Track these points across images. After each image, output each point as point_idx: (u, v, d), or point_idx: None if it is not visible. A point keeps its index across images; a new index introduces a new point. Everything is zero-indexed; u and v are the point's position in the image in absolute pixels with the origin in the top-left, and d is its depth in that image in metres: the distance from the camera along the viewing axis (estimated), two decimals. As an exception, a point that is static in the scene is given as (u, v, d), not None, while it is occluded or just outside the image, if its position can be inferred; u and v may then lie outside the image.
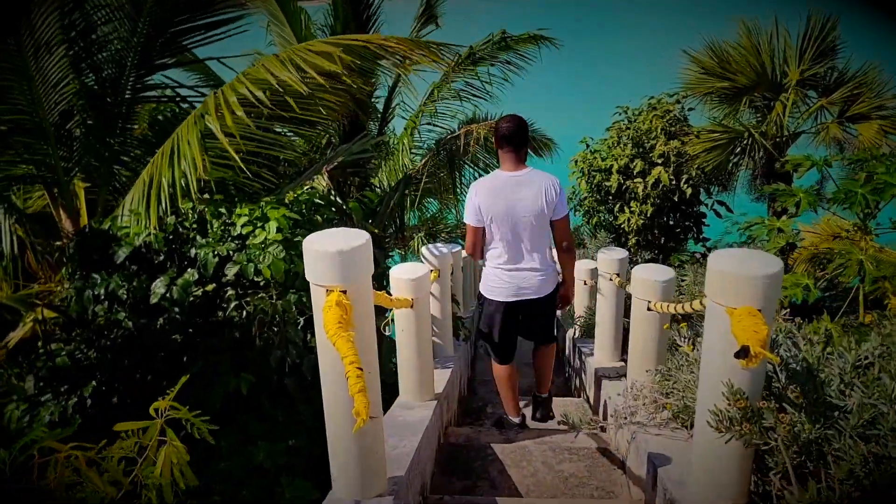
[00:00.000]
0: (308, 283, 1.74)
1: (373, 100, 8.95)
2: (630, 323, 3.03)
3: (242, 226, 3.80)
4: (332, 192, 4.68)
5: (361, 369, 1.56)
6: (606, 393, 3.51)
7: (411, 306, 2.85)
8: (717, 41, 6.09)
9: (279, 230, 3.69)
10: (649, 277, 2.81)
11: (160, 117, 4.91)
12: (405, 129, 8.24)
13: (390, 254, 10.38)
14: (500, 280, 3.33)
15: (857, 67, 5.92)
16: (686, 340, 2.35)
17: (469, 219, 3.29)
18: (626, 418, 2.67)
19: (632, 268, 3.09)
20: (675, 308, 2.45)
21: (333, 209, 4.55)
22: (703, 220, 6.65)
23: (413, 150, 8.02)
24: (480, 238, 3.32)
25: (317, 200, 4.39)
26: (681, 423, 2.41)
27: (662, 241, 6.52)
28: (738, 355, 1.61)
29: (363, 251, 1.73)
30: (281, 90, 3.69)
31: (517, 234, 3.21)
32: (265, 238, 3.67)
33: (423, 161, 7.12)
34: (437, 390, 3.27)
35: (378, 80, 8.98)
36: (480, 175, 9.86)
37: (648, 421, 2.63)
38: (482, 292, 3.48)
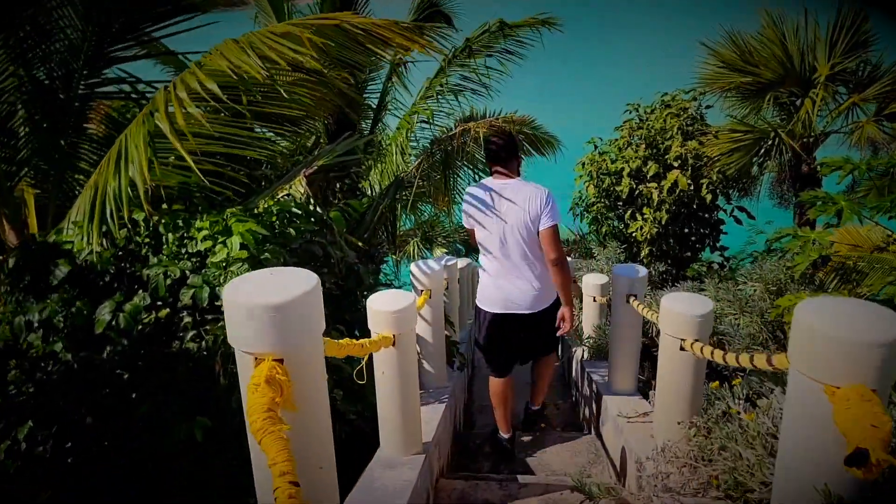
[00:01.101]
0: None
1: (364, 96, 8.48)
2: (658, 364, 2.55)
3: (202, 240, 3.31)
4: (311, 200, 4.19)
5: (297, 484, 1.06)
6: (625, 438, 3.03)
7: (393, 344, 2.36)
8: (739, 32, 5.59)
9: (244, 246, 3.21)
10: (683, 311, 2.32)
11: (116, 115, 4.41)
12: (398, 127, 7.76)
13: (385, 259, 9.94)
14: (489, 290, 3.36)
15: (893, 61, 5.43)
16: (741, 403, 1.87)
17: (465, 221, 3.38)
18: (656, 486, 2.18)
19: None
20: (723, 358, 1.96)
21: (312, 220, 4.07)
22: (721, 227, 6.15)
23: (407, 151, 7.54)
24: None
25: (293, 210, 3.92)
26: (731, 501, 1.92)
27: (677, 250, 6.02)
28: (850, 461, 1.12)
29: (309, 302, 1.25)
30: (236, 78, 3.21)
31: (505, 245, 3.20)
32: (227, 256, 3.18)
33: (417, 162, 6.63)
34: (426, 438, 2.78)
35: (367, 76, 8.53)
36: (480, 177, 9.49)
37: (683, 489, 2.14)
38: (476, 301, 3.52)
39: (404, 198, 6.47)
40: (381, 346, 2.23)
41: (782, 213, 6.40)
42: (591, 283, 4.96)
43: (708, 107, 6.11)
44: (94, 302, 3.24)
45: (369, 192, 8.26)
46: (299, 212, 3.87)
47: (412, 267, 3.70)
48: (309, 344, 1.27)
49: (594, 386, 4.17)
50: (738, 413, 1.86)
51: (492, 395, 3.66)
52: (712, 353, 2.02)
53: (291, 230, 3.55)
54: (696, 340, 2.29)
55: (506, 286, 3.27)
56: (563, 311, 3.33)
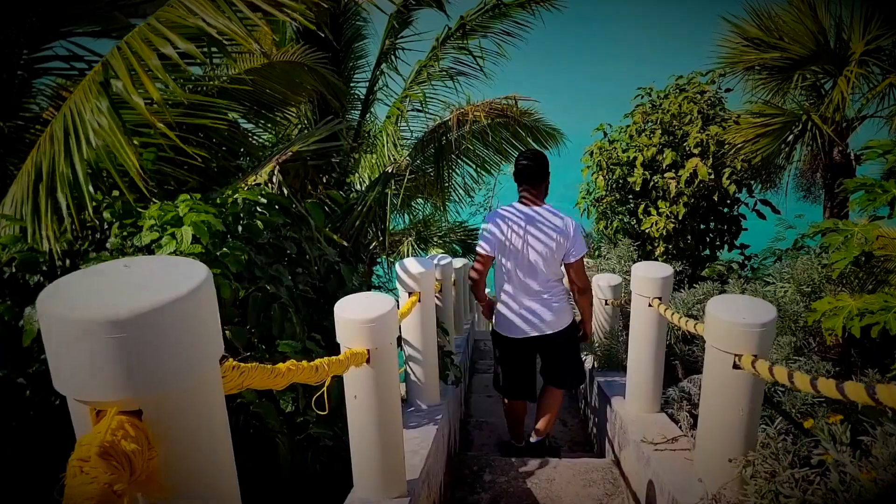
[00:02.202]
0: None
1: (351, 85, 7.98)
2: (703, 384, 2.07)
3: (148, 230, 2.82)
4: (284, 190, 3.70)
5: None
6: (654, 470, 2.54)
7: (367, 361, 1.87)
8: (764, 6, 5.09)
9: (196, 240, 2.72)
10: (738, 319, 1.84)
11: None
12: (388, 116, 7.27)
13: (378, 260, 9.44)
14: (509, 317, 3.33)
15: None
16: (842, 449, 1.38)
17: (481, 247, 3.31)
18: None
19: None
20: (796, 382, 1.46)
21: (285, 212, 3.59)
22: (742, 222, 5.65)
23: (399, 142, 7.05)
24: (488, 267, 3.35)
25: (261, 200, 3.43)
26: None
27: (694, 248, 5.53)
28: None
29: (187, 312, 0.75)
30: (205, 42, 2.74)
31: (529, 271, 3.24)
32: (176, 250, 2.69)
33: (409, 153, 6.14)
34: (412, 475, 2.29)
35: (354, 63, 8.03)
36: (479, 173, 9.04)
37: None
38: (494, 327, 3.49)
39: (395, 191, 5.96)
40: (347, 366, 1.74)
41: (808, 208, 5.93)
42: (602, 284, 4.48)
43: (728, 90, 5.62)
44: (22, 307, 2.74)
45: (359, 186, 7.78)
46: (267, 202, 3.38)
47: (398, 267, 3.22)
48: (192, 379, 0.77)
49: (609, 401, 3.69)
50: (836, 461, 1.37)
51: (505, 411, 3.70)
52: (793, 380, 1.53)
53: (259, 223, 3.06)
54: (756, 356, 1.80)
55: (527, 310, 3.31)
56: (586, 326, 3.56)
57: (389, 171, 6.08)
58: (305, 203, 3.90)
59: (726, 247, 5.99)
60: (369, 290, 4.75)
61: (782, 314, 4.08)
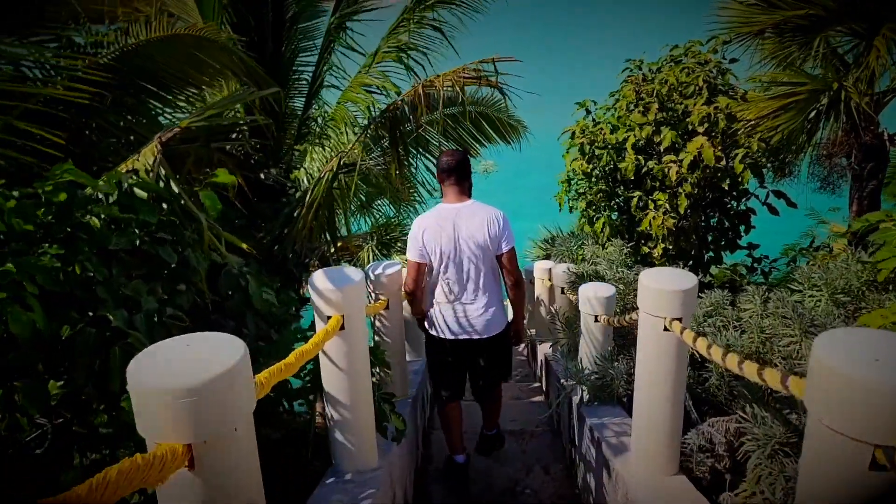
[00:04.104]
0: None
1: (294, 69, 7.03)
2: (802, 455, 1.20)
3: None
4: (164, 177, 2.78)
5: None
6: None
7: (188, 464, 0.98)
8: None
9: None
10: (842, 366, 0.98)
11: None
12: (339, 102, 6.35)
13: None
14: (443, 318, 3.35)
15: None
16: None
17: (411, 254, 3.31)
18: None
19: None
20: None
21: (165, 205, 2.69)
22: (751, 218, 4.84)
23: (354, 129, 6.14)
24: (423, 276, 3.33)
25: (137, 191, 2.55)
26: None
27: (700, 248, 4.70)
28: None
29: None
30: None
31: (461, 270, 3.27)
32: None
33: (358, 138, 5.23)
34: None
35: (297, 45, 7.08)
36: (434, 164, 8.27)
37: None
38: (428, 330, 3.48)
39: (345, 187, 5.05)
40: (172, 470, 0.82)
41: (824, 200, 5.16)
42: (591, 295, 3.64)
43: (733, 60, 4.78)
44: None
45: (307, 183, 6.85)
46: (154, 191, 2.49)
47: (312, 279, 2.32)
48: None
49: (605, 456, 2.84)
50: None
51: (443, 421, 3.65)
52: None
53: (94, 219, 2.14)
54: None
55: (461, 312, 3.32)
56: (518, 326, 3.54)
57: (338, 161, 5.16)
58: (199, 192, 2.99)
59: (728, 248, 5.18)
60: (297, 310, 3.83)
61: (816, 330, 3.30)
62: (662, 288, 2.22)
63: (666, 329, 2.23)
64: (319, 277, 2.27)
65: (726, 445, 2.83)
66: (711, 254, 4.71)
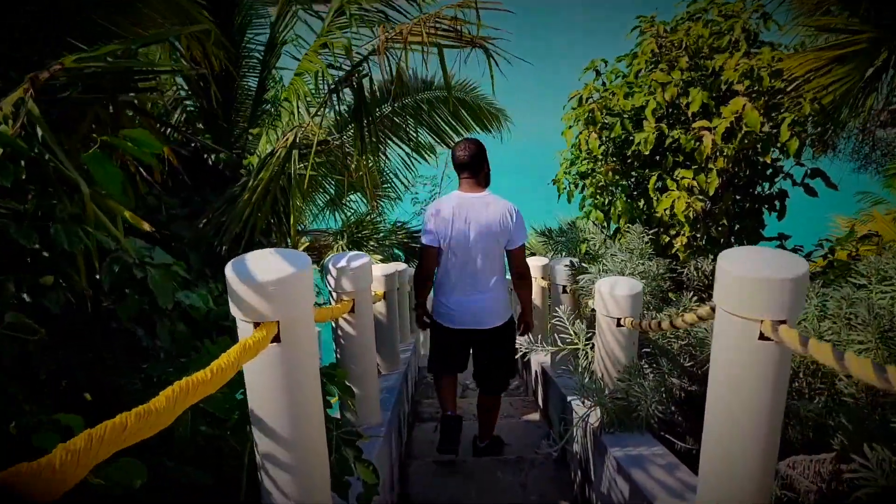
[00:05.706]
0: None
1: (244, 41, 6.19)
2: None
3: None
4: (27, 130, 2.00)
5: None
6: None
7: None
8: None
9: None
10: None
11: None
12: (297, 73, 5.55)
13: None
14: (449, 307, 3.39)
15: None
16: None
17: (424, 238, 3.36)
18: None
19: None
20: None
21: (23, 161, 1.95)
22: (784, 200, 4.13)
23: (314, 102, 5.35)
24: (435, 260, 3.38)
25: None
26: None
27: (730, 237, 3.98)
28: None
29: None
30: None
31: (471, 259, 3.29)
32: None
33: (317, 111, 4.45)
34: None
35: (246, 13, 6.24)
36: (411, 159, 7.73)
37: None
38: (434, 317, 3.54)
39: (299, 172, 4.26)
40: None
41: (862, 182, 4.51)
42: (611, 294, 2.93)
43: (766, 15, 4.02)
44: None
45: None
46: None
47: (227, 268, 1.53)
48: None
49: (638, 496, 2.12)
50: None
51: (439, 390, 3.67)
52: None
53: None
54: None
55: (468, 301, 3.35)
56: (526, 316, 3.61)
57: (294, 136, 4.37)
58: (82, 157, 2.18)
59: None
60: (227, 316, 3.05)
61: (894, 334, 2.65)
62: (759, 276, 1.50)
63: (763, 337, 1.51)
64: (239, 266, 1.49)
65: (817, 495, 2.13)
66: (736, 244, 4.02)
